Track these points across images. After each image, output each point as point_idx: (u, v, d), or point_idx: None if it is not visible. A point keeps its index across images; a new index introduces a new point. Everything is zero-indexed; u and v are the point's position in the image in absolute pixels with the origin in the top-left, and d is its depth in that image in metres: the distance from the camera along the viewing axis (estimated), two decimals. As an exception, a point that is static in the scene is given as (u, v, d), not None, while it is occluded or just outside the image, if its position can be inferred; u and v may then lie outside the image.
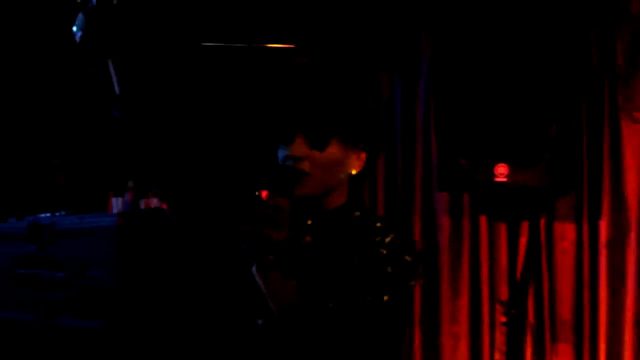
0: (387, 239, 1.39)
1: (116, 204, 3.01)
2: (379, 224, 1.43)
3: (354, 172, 1.45)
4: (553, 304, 3.05)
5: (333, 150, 1.41)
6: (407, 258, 1.39)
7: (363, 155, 1.46)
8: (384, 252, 1.38)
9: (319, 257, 1.42)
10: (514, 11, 2.94)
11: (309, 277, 1.39)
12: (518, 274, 3.04)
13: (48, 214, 2.20)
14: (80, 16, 2.35)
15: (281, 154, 1.44)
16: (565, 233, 3.06)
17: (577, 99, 3.03)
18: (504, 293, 3.05)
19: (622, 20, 3.02)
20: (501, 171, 2.95)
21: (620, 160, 3.01)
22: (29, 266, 2.15)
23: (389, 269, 1.37)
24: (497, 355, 3.04)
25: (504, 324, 3.01)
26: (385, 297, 1.35)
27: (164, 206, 2.78)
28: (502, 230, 3.09)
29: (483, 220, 3.10)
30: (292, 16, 3.20)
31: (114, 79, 2.39)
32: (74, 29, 2.39)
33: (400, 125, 3.20)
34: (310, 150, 1.40)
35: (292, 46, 3.16)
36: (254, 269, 1.37)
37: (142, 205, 2.97)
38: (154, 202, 2.95)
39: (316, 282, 1.40)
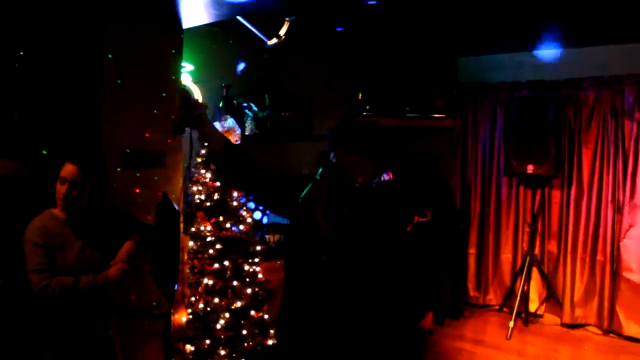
0: None
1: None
2: None
3: None
4: (550, 223, 6.55)
5: None
6: None
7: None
8: None
9: None
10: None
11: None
12: (535, 211, 6.47)
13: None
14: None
15: None
16: (556, 194, 6.51)
17: (562, 137, 6.24)
18: (528, 218, 6.56)
19: (585, 106, 6.18)
20: (530, 168, 6.28)
21: (581, 164, 6.34)
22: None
23: None
24: (524, 244, 6.57)
25: (528, 232, 6.47)
26: None
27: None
28: (529, 192, 6.57)
29: (522, 188, 6.60)
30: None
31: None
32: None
33: (489, 144, 6.71)
34: None
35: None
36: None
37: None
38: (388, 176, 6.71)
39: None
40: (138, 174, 4.09)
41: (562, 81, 6.26)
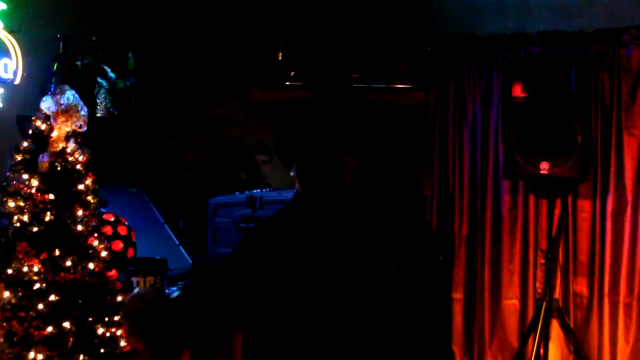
0: None
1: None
2: None
3: None
4: (575, 251, 6.50)
5: None
6: None
7: None
8: None
9: None
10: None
11: None
12: (553, 232, 6.42)
13: (257, 190, 5.67)
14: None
15: None
16: (585, 206, 6.47)
17: (593, 119, 6.22)
18: (543, 244, 6.49)
19: (627, 71, 6.13)
20: (544, 166, 6.21)
21: (622, 159, 6.31)
22: (247, 222, 5.53)
23: None
24: (538, 284, 6.49)
25: (543, 264, 6.42)
26: None
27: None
28: (544, 204, 6.52)
29: (531, 197, 6.53)
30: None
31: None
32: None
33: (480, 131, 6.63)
34: None
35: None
36: None
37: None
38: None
39: None
40: None
41: (592, 33, 6.28)
